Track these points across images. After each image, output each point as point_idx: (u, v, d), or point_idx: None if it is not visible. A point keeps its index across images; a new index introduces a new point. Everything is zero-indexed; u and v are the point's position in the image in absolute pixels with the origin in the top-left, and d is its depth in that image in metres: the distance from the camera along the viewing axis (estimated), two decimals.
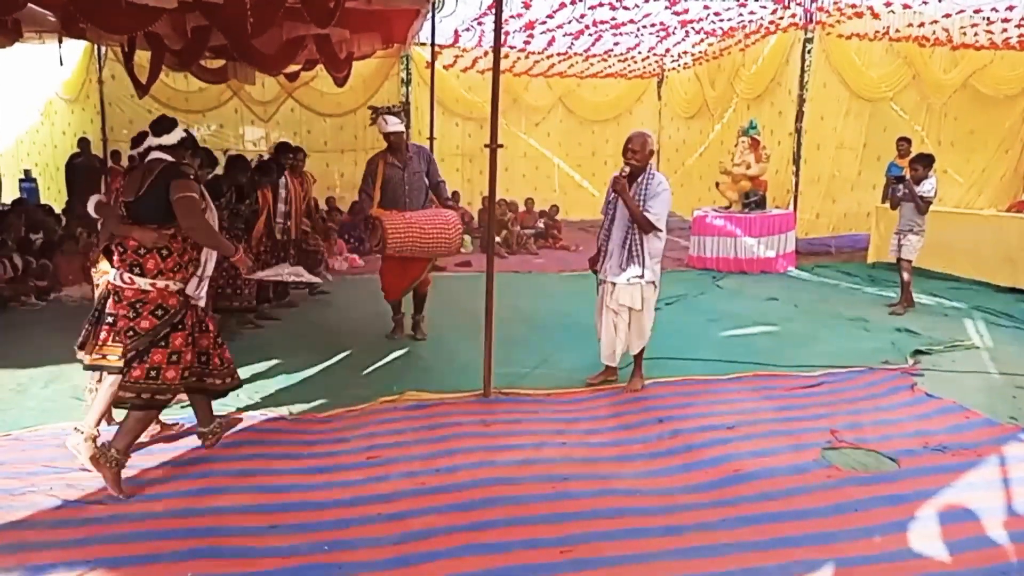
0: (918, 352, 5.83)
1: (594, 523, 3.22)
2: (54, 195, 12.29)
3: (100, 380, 4.07)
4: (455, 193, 12.89)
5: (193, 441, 4.06)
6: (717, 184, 10.52)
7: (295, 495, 3.47)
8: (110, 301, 3.63)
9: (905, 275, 7.29)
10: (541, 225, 12.48)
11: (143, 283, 3.40)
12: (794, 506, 3.38)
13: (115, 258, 3.50)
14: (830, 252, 11.08)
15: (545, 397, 4.82)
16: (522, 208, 12.77)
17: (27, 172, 12.96)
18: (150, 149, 3.55)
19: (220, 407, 4.60)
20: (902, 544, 3.07)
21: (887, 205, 8.05)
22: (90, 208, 4.06)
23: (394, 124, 5.70)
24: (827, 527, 3.19)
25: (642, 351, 4.88)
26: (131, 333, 3.42)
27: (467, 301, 7.02)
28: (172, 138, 3.56)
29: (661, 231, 4.60)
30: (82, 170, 11.41)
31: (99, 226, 4.18)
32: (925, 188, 7.07)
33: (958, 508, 3.35)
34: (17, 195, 12.27)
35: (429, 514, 3.28)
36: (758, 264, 9.76)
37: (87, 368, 3.87)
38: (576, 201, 14.81)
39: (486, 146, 4.63)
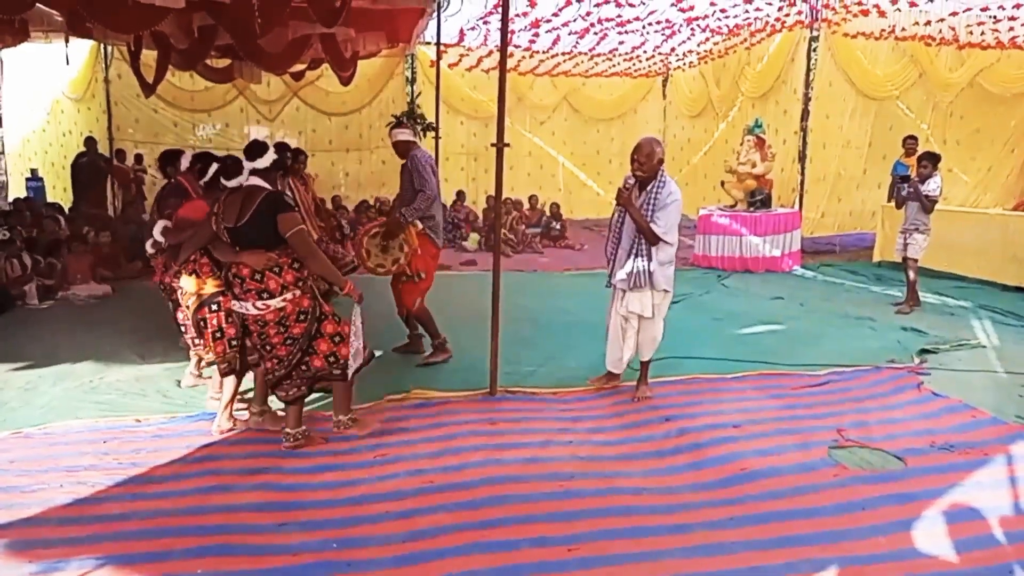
0: (924, 351, 5.82)
1: (601, 521, 3.23)
2: (60, 194, 12.32)
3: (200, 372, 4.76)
4: (460, 192, 12.96)
5: (202, 439, 4.09)
6: (722, 183, 10.51)
7: (304, 493, 3.49)
8: (252, 327, 3.78)
9: (911, 274, 7.28)
10: (555, 225, 12.44)
11: (276, 303, 3.65)
12: (800, 505, 3.39)
13: (236, 289, 3.69)
14: (835, 251, 11.07)
15: (551, 396, 4.83)
16: (526, 206, 12.78)
17: (33, 171, 12.98)
18: (239, 172, 3.66)
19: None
20: (909, 543, 3.08)
21: (893, 204, 8.03)
22: (156, 233, 4.29)
23: (398, 135, 5.50)
24: (834, 526, 3.20)
25: (650, 360, 4.83)
26: (289, 341, 3.73)
27: (472, 300, 7.04)
28: (264, 161, 3.68)
29: (668, 243, 4.43)
30: (88, 169, 11.44)
31: (159, 244, 4.39)
32: (930, 187, 7.06)
33: (965, 507, 3.36)
34: (24, 194, 12.33)
35: (436, 512, 3.29)
36: (763, 263, 9.75)
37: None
38: (581, 200, 14.82)
39: (492, 145, 4.63)
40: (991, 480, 3.62)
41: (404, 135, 5.49)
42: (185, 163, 4.64)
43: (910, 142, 9.51)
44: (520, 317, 6.70)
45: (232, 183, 3.67)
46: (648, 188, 4.42)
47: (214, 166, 4.00)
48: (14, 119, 13.49)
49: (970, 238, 8.70)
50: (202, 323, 4.05)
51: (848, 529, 3.17)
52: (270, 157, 3.70)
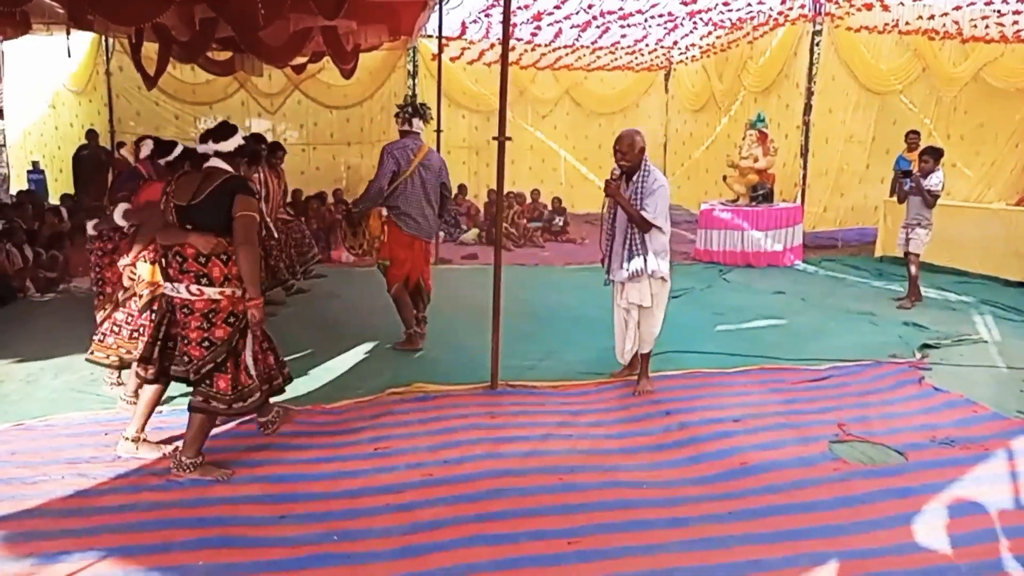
0: (926, 346, 5.82)
1: (600, 515, 3.23)
2: (61, 187, 12.33)
3: (120, 380, 4.44)
4: (462, 186, 12.94)
5: None
6: (724, 177, 10.49)
7: (304, 485, 3.49)
8: (176, 314, 3.46)
9: (913, 269, 7.27)
10: (557, 220, 12.43)
11: (212, 293, 3.35)
12: (801, 499, 3.39)
13: (172, 270, 3.37)
14: (837, 246, 11.05)
15: (552, 389, 4.83)
16: (528, 200, 12.77)
17: (35, 164, 12.99)
18: (204, 155, 3.48)
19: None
20: (909, 537, 3.08)
21: (895, 199, 8.02)
22: (117, 217, 4.11)
23: (398, 126, 5.74)
24: (834, 520, 3.20)
25: (650, 352, 4.83)
26: (207, 344, 3.38)
27: (473, 294, 7.04)
28: (229, 145, 3.48)
29: (660, 227, 4.49)
30: (89, 162, 11.44)
31: (123, 230, 4.25)
32: (933, 182, 7.04)
33: (965, 502, 3.36)
34: (25, 187, 12.33)
35: (436, 505, 3.30)
36: (765, 257, 9.74)
37: (147, 381, 3.74)
38: (582, 194, 14.78)
39: (494, 138, 4.62)
40: (991, 475, 3.62)
41: (400, 126, 5.68)
42: (146, 150, 4.49)
43: (912, 137, 9.50)
44: (521, 311, 6.70)
45: (167, 157, 3.70)
46: (634, 178, 4.51)
47: (179, 148, 3.97)
48: (15, 111, 13.50)
49: (972, 233, 8.68)
50: (152, 315, 3.87)
51: (848, 523, 3.17)
52: (236, 141, 3.49)
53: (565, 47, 13.55)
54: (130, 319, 4.36)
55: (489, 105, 13.58)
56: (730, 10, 10.83)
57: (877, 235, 10.12)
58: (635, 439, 4.08)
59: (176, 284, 3.38)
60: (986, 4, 10.30)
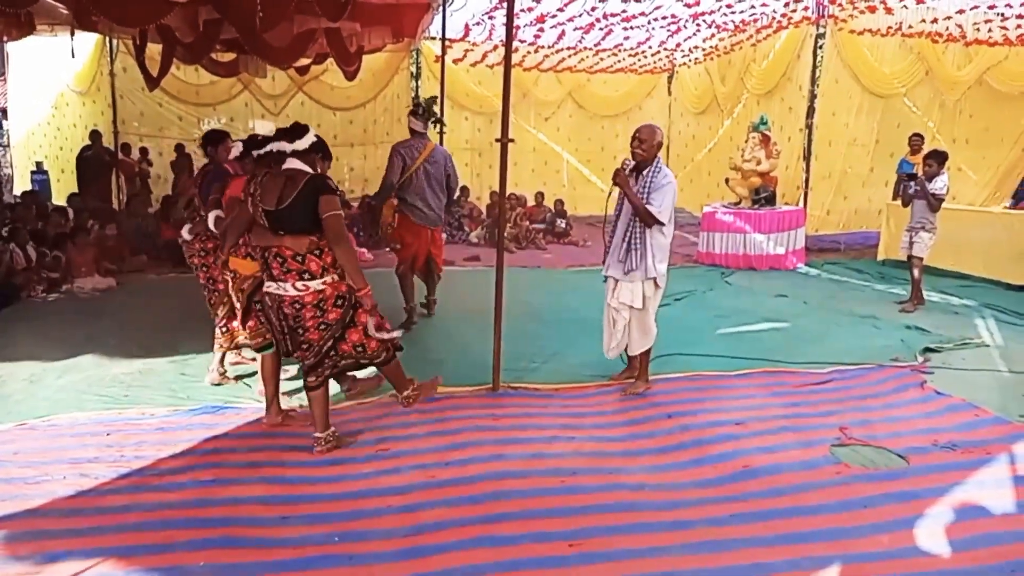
0: (928, 350, 5.81)
1: (602, 517, 3.23)
2: (65, 187, 12.36)
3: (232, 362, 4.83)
4: (464, 188, 12.96)
5: (206, 432, 4.10)
6: (727, 180, 10.49)
7: (307, 487, 3.50)
8: (286, 309, 3.63)
9: (916, 272, 7.26)
10: (560, 223, 12.44)
11: (316, 285, 3.57)
12: (803, 502, 3.39)
13: (275, 271, 3.58)
14: (839, 249, 11.04)
15: (554, 392, 4.83)
16: (532, 202, 12.78)
17: (39, 164, 13.04)
18: (282, 154, 3.55)
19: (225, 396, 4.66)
20: (911, 541, 3.08)
21: (898, 202, 8.01)
22: (211, 224, 4.24)
23: (412, 123, 6.28)
24: (836, 523, 3.20)
25: (647, 353, 4.82)
26: (323, 327, 3.64)
27: (476, 295, 7.03)
28: (304, 143, 3.56)
29: (664, 224, 4.47)
30: (93, 162, 11.47)
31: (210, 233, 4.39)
32: (937, 185, 7.03)
33: (967, 506, 3.35)
34: (29, 187, 12.37)
35: (438, 507, 3.30)
36: (767, 260, 9.73)
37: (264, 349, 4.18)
38: (585, 196, 14.79)
39: (497, 140, 4.63)
40: (993, 479, 3.62)
41: (412, 123, 6.24)
42: (236, 152, 4.47)
43: (915, 140, 9.49)
44: (523, 313, 6.70)
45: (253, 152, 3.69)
46: (644, 172, 4.52)
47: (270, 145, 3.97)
48: (20, 112, 13.56)
49: (975, 237, 8.67)
50: (258, 305, 3.99)
51: (850, 527, 3.17)
52: (310, 139, 3.59)
53: (568, 49, 13.56)
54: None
55: (492, 107, 13.59)
56: (733, 13, 10.83)
57: (880, 238, 10.11)
58: (637, 442, 4.08)
59: (281, 283, 3.59)
60: (989, 8, 10.29)
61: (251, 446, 3.94)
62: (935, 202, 7.05)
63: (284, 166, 3.54)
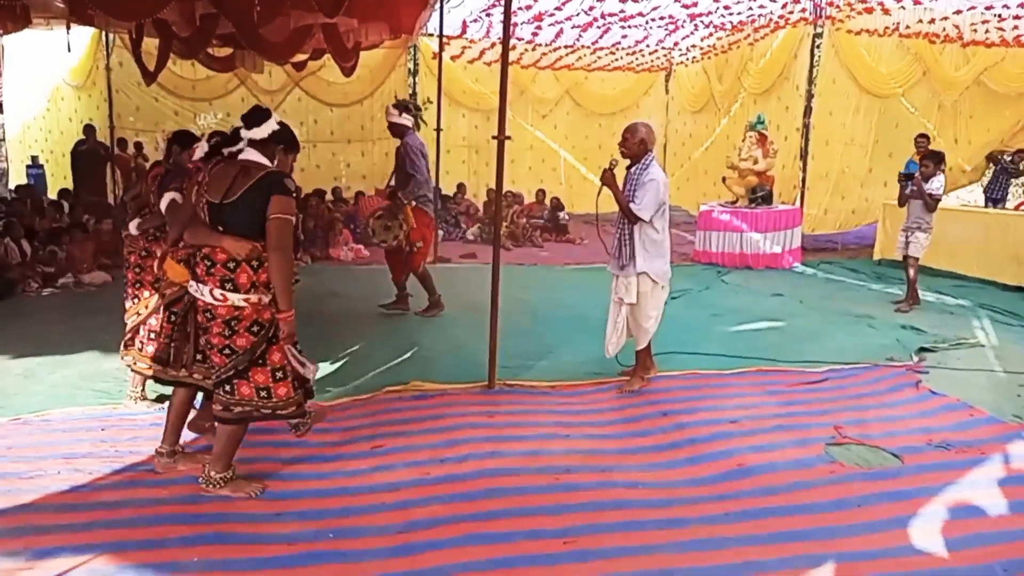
0: (923, 349, 5.82)
1: (596, 515, 3.23)
2: (60, 182, 12.32)
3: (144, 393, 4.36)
4: (461, 185, 12.95)
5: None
6: (724, 179, 10.50)
7: (300, 483, 3.49)
8: (198, 316, 3.24)
9: (911, 272, 7.27)
10: (562, 215, 12.45)
11: (236, 299, 3.07)
12: (797, 501, 3.39)
13: (199, 270, 3.13)
14: (836, 249, 11.06)
15: (549, 389, 4.83)
16: (531, 199, 12.77)
17: (34, 158, 12.98)
18: (237, 141, 3.20)
19: None
20: (904, 540, 3.08)
21: (896, 202, 8.01)
22: (163, 206, 3.76)
23: (391, 116, 6.33)
24: (829, 522, 3.20)
25: (645, 350, 4.84)
26: (227, 351, 3.12)
27: (472, 293, 7.03)
28: (263, 131, 3.16)
29: (647, 221, 4.49)
30: (87, 157, 11.43)
31: (157, 223, 3.97)
32: (934, 186, 7.04)
33: (961, 505, 3.36)
34: (24, 181, 12.32)
35: (432, 503, 3.30)
36: (764, 260, 9.74)
37: (163, 382, 3.73)
38: (582, 194, 14.77)
39: (493, 137, 4.63)
40: (987, 478, 3.63)
41: (402, 119, 6.25)
42: (201, 152, 4.07)
43: (921, 141, 9.40)
44: (519, 311, 6.70)
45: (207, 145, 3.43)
46: (631, 170, 4.57)
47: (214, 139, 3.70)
48: (15, 106, 13.50)
49: (971, 237, 8.69)
50: (172, 317, 3.55)
51: (844, 526, 3.17)
52: (270, 126, 3.17)
53: (566, 47, 13.55)
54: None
55: (489, 104, 13.57)
56: (731, 13, 10.83)
57: (875, 238, 10.13)
58: (632, 440, 4.08)
59: (201, 286, 3.12)
60: (987, 8, 10.31)
61: (245, 442, 3.92)
62: (932, 202, 7.06)
63: (240, 156, 3.13)
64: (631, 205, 4.47)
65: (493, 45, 12.96)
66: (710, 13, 10.79)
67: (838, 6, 10.40)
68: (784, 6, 10.57)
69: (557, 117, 15.22)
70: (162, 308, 3.65)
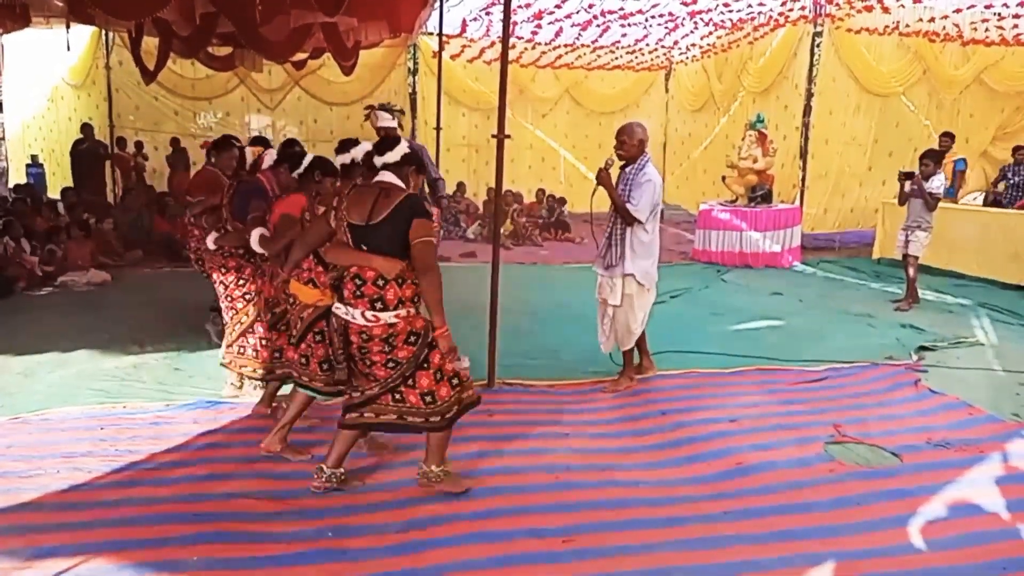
0: (923, 348, 5.83)
1: (596, 513, 3.24)
2: (60, 181, 12.32)
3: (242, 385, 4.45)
4: (460, 184, 12.94)
5: (200, 427, 4.09)
6: (723, 178, 10.50)
7: (300, 482, 3.48)
8: (352, 337, 3.23)
9: (911, 271, 7.28)
10: (563, 211, 12.48)
11: (387, 317, 3.13)
12: (796, 500, 3.39)
13: (347, 292, 3.16)
14: (835, 248, 11.06)
15: (549, 388, 4.83)
16: (531, 199, 12.76)
17: (33, 157, 12.99)
18: (368, 165, 3.31)
19: (204, 391, 4.64)
20: (904, 539, 3.09)
21: (894, 201, 8.01)
22: (255, 243, 3.80)
23: (384, 120, 5.74)
24: (829, 521, 3.21)
25: (631, 351, 4.83)
26: (391, 364, 3.20)
27: (471, 292, 7.01)
28: (396, 155, 3.21)
29: (642, 222, 4.48)
30: (87, 156, 11.43)
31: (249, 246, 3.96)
32: (934, 184, 7.05)
33: (960, 504, 3.36)
34: (24, 180, 12.32)
35: (432, 502, 3.30)
36: (763, 258, 9.75)
37: (332, 395, 3.67)
38: (582, 193, 14.71)
39: (493, 136, 4.63)
40: (986, 477, 3.63)
41: (393, 123, 5.73)
42: (269, 160, 4.22)
43: (945, 140, 9.20)
44: (519, 309, 6.70)
45: (340, 159, 3.53)
46: (627, 170, 4.56)
47: (308, 157, 3.80)
48: (15, 105, 13.50)
49: (970, 236, 8.69)
50: (317, 336, 3.58)
51: (843, 524, 3.17)
52: (401, 150, 3.22)
53: (565, 46, 13.55)
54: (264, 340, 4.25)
55: (489, 103, 13.56)
56: (730, 11, 10.83)
57: (875, 237, 10.13)
58: (631, 438, 4.08)
59: (350, 308, 3.17)
60: (986, 7, 10.31)
61: (245, 441, 3.93)
62: (932, 201, 7.06)
63: (376, 178, 3.21)
64: (628, 206, 4.46)
65: (493, 44, 12.96)
66: (709, 11, 10.80)
67: (838, 4, 10.39)
68: (784, 4, 10.57)
69: (557, 116, 15.21)
70: (304, 328, 3.62)
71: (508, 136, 4.64)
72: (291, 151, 4.12)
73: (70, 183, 11.60)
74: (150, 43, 8.13)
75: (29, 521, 3.07)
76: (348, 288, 3.16)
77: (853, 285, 8.58)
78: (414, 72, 13.40)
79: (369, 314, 3.13)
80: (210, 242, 4.26)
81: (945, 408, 4.55)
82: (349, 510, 3.24)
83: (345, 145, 3.61)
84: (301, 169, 3.83)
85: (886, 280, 8.64)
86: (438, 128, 9.63)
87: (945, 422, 4.33)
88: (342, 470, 3.42)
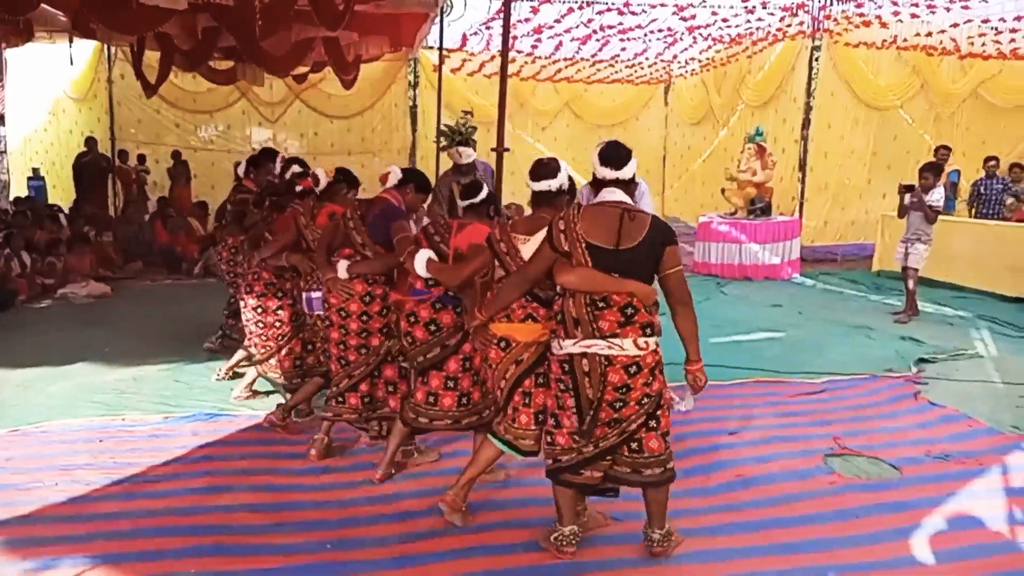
0: (922, 360, 5.82)
1: (596, 526, 3.22)
2: (61, 194, 12.35)
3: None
4: None
5: (199, 439, 4.09)
6: (723, 190, 10.52)
7: (299, 494, 3.49)
8: (614, 377, 2.82)
9: (911, 283, 7.28)
10: None
11: (653, 343, 2.89)
12: (795, 512, 3.38)
13: (605, 323, 2.80)
14: (836, 260, 11.07)
15: None
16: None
17: (35, 170, 13.02)
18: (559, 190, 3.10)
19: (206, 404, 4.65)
20: (903, 551, 3.07)
21: (895, 214, 8.03)
22: (420, 268, 3.31)
23: (467, 156, 5.35)
24: (828, 533, 3.19)
25: None
26: (645, 400, 2.89)
27: None
28: (631, 170, 2.93)
29: None
30: (89, 169, 11.47)
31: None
32: (934, 197, 7.06)
33: (960, 516, 3.35)
34: (25, 193, 12.35)
35: (432, 514, 3.28)
36: (763, 271, 9.75)
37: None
38: None
39: (493, 149, 4.65)
40: (986, 490, 3.62)
41: (472, 157, 5.35)
42: (395, 179, 3.85)
43: (942, 152, 9.26)
44: None
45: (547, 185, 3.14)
46: None
47: (485, 188, 3.46)
48: (17, 118, 13.54)
49: (969, 248, 8.70)
50: (541, 379, 3.11)
51: (843, 537, 3.16)
52: (633, 166, 2.94)
53: (565, 59, 13.63)
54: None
55: (489, 116, 13.50)
56: (729, 26, 10.91)
57: (875, 250, 10.14)
58: None
59: (614, 339, 2.80)
60: (983, 22, 10.39)
61: (244, 453, 3.93)
62: (932, 214, 7.08)
63: (608, 198, 2.89)
64: None
65: (493, 58, 13.02)
66: (708, 26, 10.88)
67: (836, 19, 10.47)
68: (782, 19, 10.65)
69: (557, 129, 15.27)
70: (517, 372, 3.14)
71: (508, 149, 4.68)
72: (416, 172, 4.00)
73: (71, 196, 11.64)
74: (152, 57, 8.20)
75: (27, 534, 3.07)
76: (607, 318, 2.79)
77: (853, 297, 8.58)
78: (414, 86, 13.48)
79: (642, 341, 2.82)
80: (342, 271, 3.72)
81: (945, 420, 4.55)
82: (348, 522, 3.23)
83: (545, 172, 3.18)
84: (477, 200, 3.46)
85: (886, 292, 8.64)
86: (438, 141, 9.64)
87: (945, 434, 4.32)
88: (577, 527, 3.04)
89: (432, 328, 3.40)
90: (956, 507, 3.43)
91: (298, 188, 4.38)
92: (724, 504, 3.45)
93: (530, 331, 3.11)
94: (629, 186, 2.93)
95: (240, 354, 4.93)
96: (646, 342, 2.83)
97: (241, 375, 4.96)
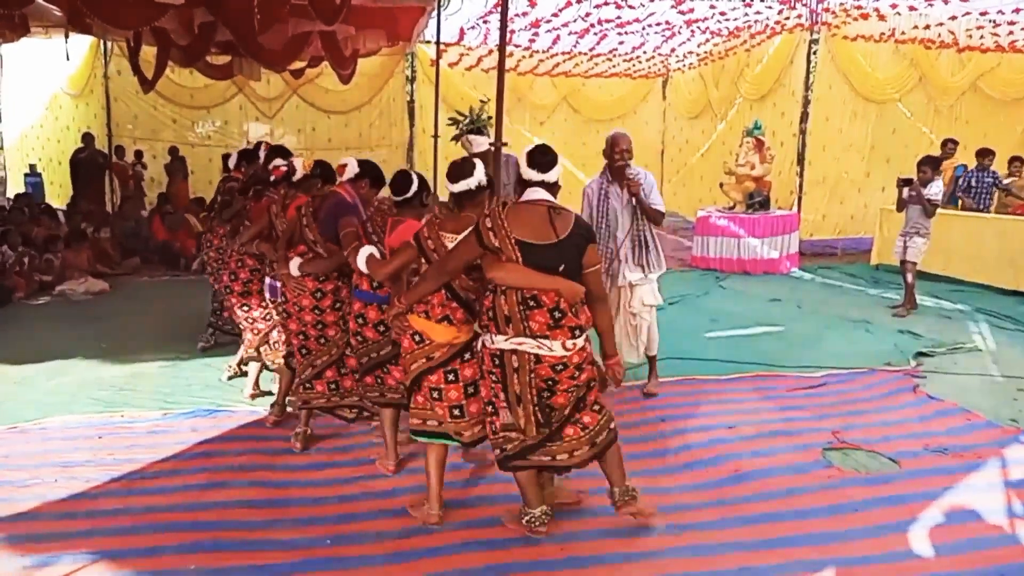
0: (920, 354, 5.83)
1: (593, 520, 3.24)
2: (58, 190, 12.32)
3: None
4: None
5: (197, 436, 4.09)
6: (721, 184, 10.51)
7: (298, 490, 3.49)
8: (543, 372, 2.91)
9: (909, 277, 7.28)
10: None
11: (581, 342, 2.96)
12: (794, 506, 3.39)
13: (535, 324, 2.86)
14: (834, 254, 11.08)
15: None
16: None
17: (32, 167, 12.99)
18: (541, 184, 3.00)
19: (215, 400, 4.65)
20: (902, 545, 3.08)
21: (892, 207, 8.03)
22: (361, 263, 3.35)
23: (479, 145, 5.19)
24: (827, 527, 3.20)
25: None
26: (573, 390, 2.98)
27: None
28: (556, 174, 3.00)
29: (664, 214, 4.68)
30: (86, 165, 11.45)
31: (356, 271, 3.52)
32: (933, 191, 7.06)
33: (958, 509, 3.36)
34: (22, 189, 12.33)
35: None
36: (761, 265, 9.75)
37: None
38: (579, 200, 14.81)
39: (491, 144, 4.64)
40: (984, 483, 3.63)
41: (483, 145, 5.18)
42: (351, 172, 3.85)
43: (949, 146, 9.21)
44: None
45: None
46: (629, 175, 4.55)
47: (415, 181, 3.42)
48: (13, 114, 13.52)
49: (967, 242, 8.70)
50: (450, 376, 3.18)
51: (841, 531, 3.17)
52: (556, 172, 3.00)
53: (563, 53, 13.59)
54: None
55: (487, 111, 13.60)
56: (727, 19, 10.88)
57: (873, 243, 10.14)
58: (629, 445, 4.04)
59: (546, 342, 2.87)
60: (981, 14, 10.36)
61: (242, 449, 3.93)
62: (930, 208, 7.08)
63: (533, 196, 2.96)
64: (656, 207, 4.56)
65: (490, 52, 12.98)
66: (706, 19, 10.83)
67: (834, 12, 10.44)
68: (780, 12, 10.61)
69: (555, 123, 15.24)
70: (425, 367, 3.20)
71: (506, 143, 4.66)
72: (371, 164, 3.97)
73: (68, 192, 11.62)
74: (148, 52, 8.16)
75: (26, 531, 3.07)
76: (536, 318, 2.85)
77: (851, 291, 8.58)
78: (412, 80, 13.44)
79: (569, 343, 2.90)
80: (294, 268, 3.77)
81: (943, 414, 4.55)
82: (347, 518, 3.24)
83: (461, 173, 3.16)
84: (410, 193, 3.41)
85: (884, 286, 8.65)
86: (435, 136, 9.64)
87: (943, 428, 4.33)
88: (547, 507, 3.13)
89: (381, 329, 3.52)
90: (955, 500, 3.44)
91: (272, 178, 4.30)
92: (722, 498, 3.46)
93: (444, 333, 3.15)
94: (553, 189, 3.01)
95: (241, 350, 4.93)
96: (573, 343, 2.92)
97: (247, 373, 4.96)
